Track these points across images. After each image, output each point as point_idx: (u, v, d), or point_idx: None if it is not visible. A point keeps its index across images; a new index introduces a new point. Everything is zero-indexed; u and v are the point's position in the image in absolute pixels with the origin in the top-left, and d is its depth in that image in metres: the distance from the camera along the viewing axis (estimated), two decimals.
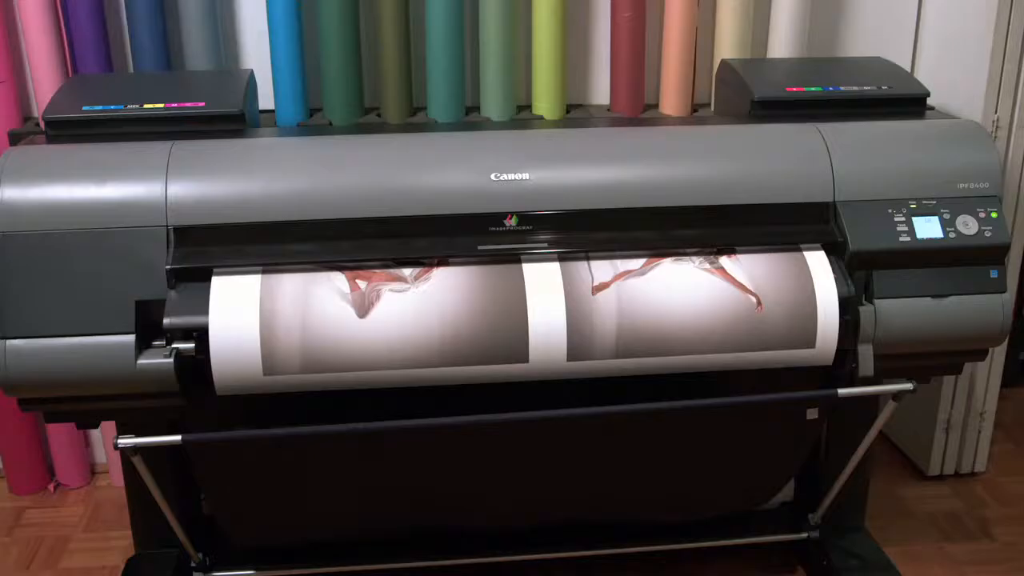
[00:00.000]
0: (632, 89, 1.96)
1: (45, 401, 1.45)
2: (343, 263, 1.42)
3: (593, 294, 1.42)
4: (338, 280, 1.41)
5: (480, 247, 1.44)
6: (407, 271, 1.43)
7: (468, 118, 1.91)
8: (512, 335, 1.40)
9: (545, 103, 1.94)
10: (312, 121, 1.90)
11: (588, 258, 1.46)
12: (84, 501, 2.11)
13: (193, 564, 1.72)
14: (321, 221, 1.43)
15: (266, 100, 1.88)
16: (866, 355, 1.50)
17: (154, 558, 1.73)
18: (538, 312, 1.41)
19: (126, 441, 1.37)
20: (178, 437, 1.37)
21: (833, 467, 1.75)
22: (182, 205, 1.42)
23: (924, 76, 2.03)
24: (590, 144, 1.55)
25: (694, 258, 1.46)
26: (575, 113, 1.98)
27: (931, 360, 1.57)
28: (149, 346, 1.41)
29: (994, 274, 1.52)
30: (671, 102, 1.96)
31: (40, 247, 1.39)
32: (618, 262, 1.45)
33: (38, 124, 1.83)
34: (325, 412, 1.48)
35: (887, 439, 2.30)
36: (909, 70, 2.06)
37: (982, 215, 1.51)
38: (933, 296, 1.50)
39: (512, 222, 1.45)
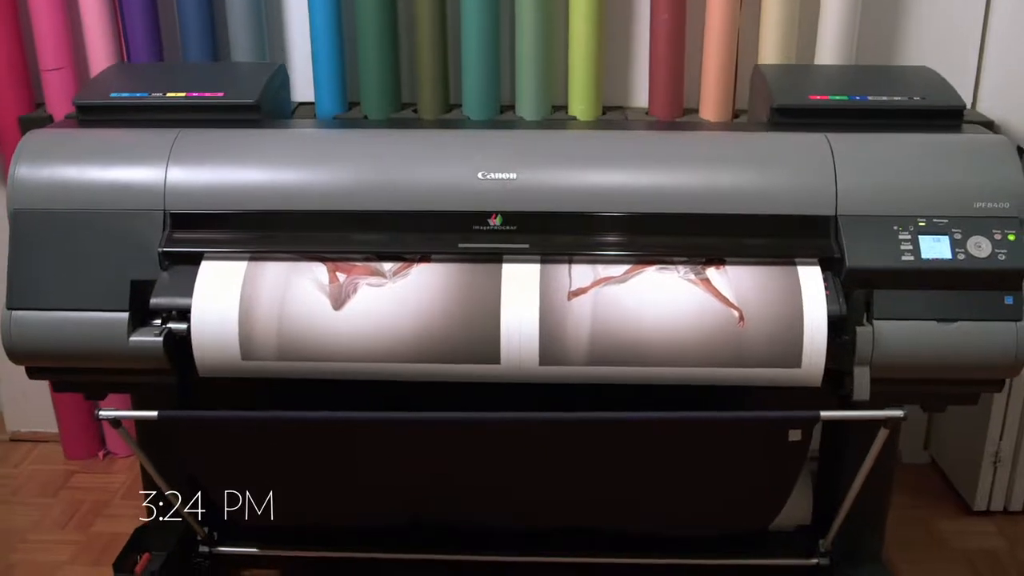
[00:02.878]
0: (670, 93, 1.92)
1: (49, 371, 1.53)
2: (326, 254, 1.45)
3: (569, 299, 1.40)
4: (319, 271, 1.44)
5: (461, 245, 1.44)
6: (387, 266, 1.44)
7: (500, 117, 1.91)
8: (484, 336, 1.40)
9: (580, 104, 1.92)
10: (349, 114, 1.94)
11: (571, 262, 1.44)
12: (129, 470, 2.21)
13: (199, 538, 1.78)
14: (307, 212, 1.46)
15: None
16: (862, 378, 1.43)
17: (163, 528, 1.79)
18: (511, 315, 1.40)
19: (107, 413, 1.43)
20: (154, 413, 1.42)
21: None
22: (179, 191, 1.47)
23: (989, 90, 1.92)
24: (583, 146, 1.53)
25: (680, 267, 1.43)
26: (610, 115, 1.95)
27: (938, 388, 1.48)
28: (146, 324, 1.47)
29: (1009, 300, 1.42)
30: (710, 107, 1.91)
31: (48, 224, 1.47)
32: (600, 267, 1.43)
33: None
34: (324, 400, 1.51)
35: (938, 469, 2.19)
36: (973, 84, 1.95)
37: (998, 237, 1.42)
38: (938, 320, 1.42)
39: (496, 221, 1.45)
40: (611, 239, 1.44)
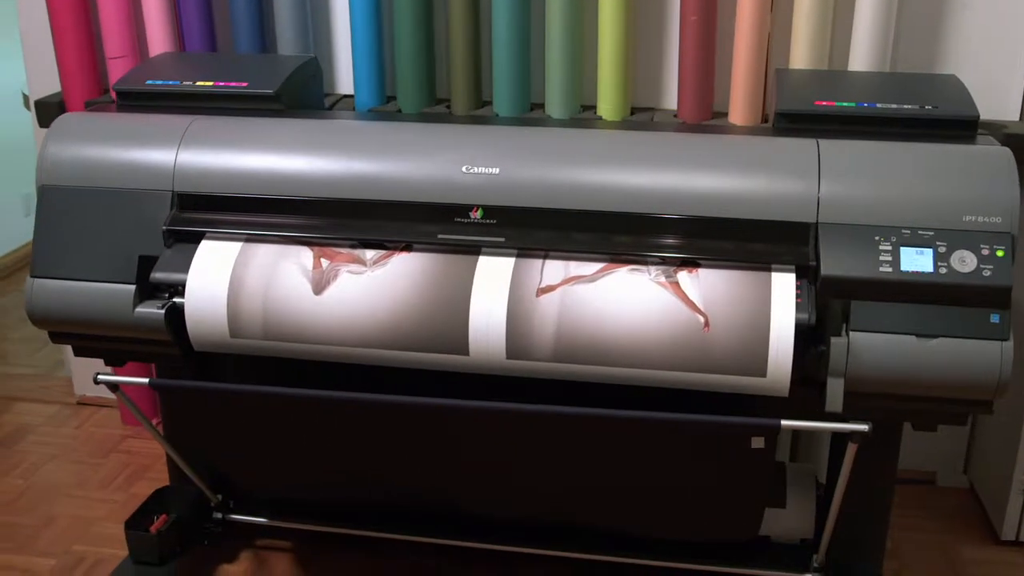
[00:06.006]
0: (698, 95, 1.90)
1: (68, 336, 1.64)
2: (314, 240, 1.51)
3: (537, 296, 1.42)
4: (304, 256, 1.50)
5: (440, 236, 1.48)
6: (369, 254, 1.49)
7: (527, 115, 1.94)
8: (453, 327, 1.43)
9: (607, 104, 1.93)
10: (386, 107, 2.01)
11: (545, 258, 1.46)
12: None
13: (212, 504, 1.88)
14: (299, 198, 1.52)
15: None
16: (835, 389, 1.39)
17: (180, 492, 1.90)
18: (479, 308, 1.43)
19: (104, 377, 1.54)
20: (145, 380, 1.51)
21: (848, 506, 1.64)
22: (187, 173, 1.56)
23: None
24: (568, 144, 1.54)
25: (652, 269, 1.43)
26: (638, 116, 1.95)
27: (920, 405, 1.43)
28: (153, 297, 1.57)
29: (995, 319, 1.37)
30: (739, 111, 1.89)
31: (70, 200, 1.59)
32: (572, 265, 1.44)
33: None
34: (319, 378, 1.57)
35: (975, 494, 2.10)
36: (1021, 96, 1.87)
37: (985, 252, 1.37)
38: (918, 335, 1.38)
39: (477, 215, 1.48)
40: (587, 237, 1.45)
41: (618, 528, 1.69)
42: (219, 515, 1.90)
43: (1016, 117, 1.88)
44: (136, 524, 1.81)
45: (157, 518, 1.84)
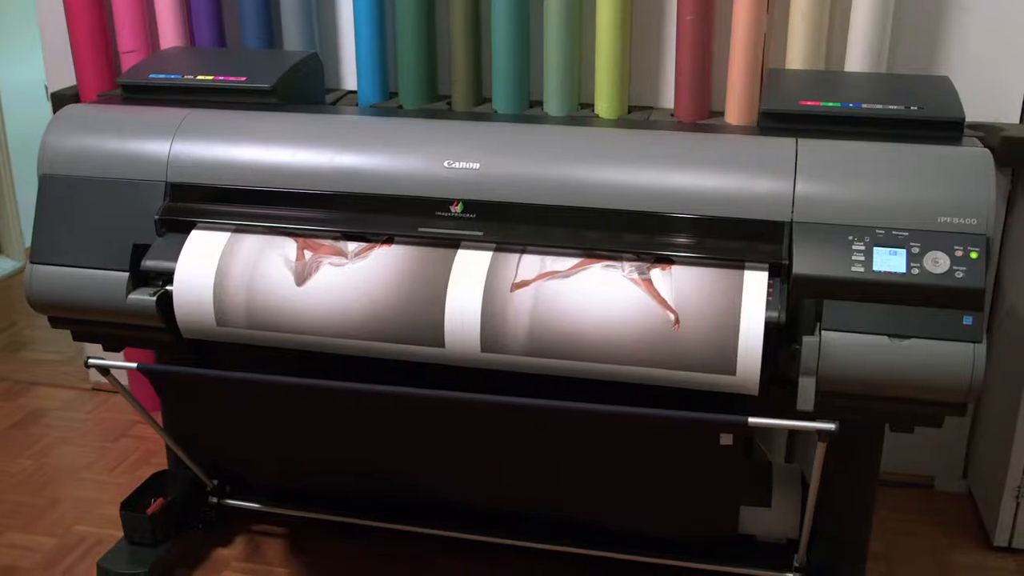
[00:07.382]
0: (694, 94, 1.91)
1: (67, 321, 1.69)
2: (299, 231, 1.54)
3: (511, 291, 1.44)
4: (289, 248, 1.53)
5: (420, 229, 1.50)
6: (351, 246, 1.52)
7: (524, 112, 1.95)
8: (429, 320, 1.46)
9: (605, 103, 1.94)
10: (388, 103, 2.04)
11: (522, 252, 1.48)
12: None
13: (208, 489, 1.92)
14: (285, 191, 1.55)
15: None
16: (806, 388, 1.40)
17: (177, 476, 1.94)
18: (455, 302, 1.45)
19: (95, 361, 1.58)
20: (134, 364, 1.56)
21: (829, 506, 1.64)
22: (180, 164, 1.60)
23: None
24: (549, 141, 1.56)
25: (625, 266, 1.44)
26: (635, 115, 1.96)
27: (893, 406, 1.43)
28: (146, 285, 1.61)
29: (968, 321, 1.36)
30: (735, 110, 1.89)
31: (68, 189, 1.64)
32: (548, 260, 1.46)
33: None
34: (311, 369, 1.61)
35: (972, 499, 2.08)
36: (1022, 97, 1.85)
37: (959, 254, 1.36)
38: (890, 335, 1.38)
39: (457, 209, 1.51)
40: (563, 232, 1.47)
41: (594, 522, 1.70)
42: (214, 500, 1.94)
43: (1016, 119, 1.87)
44: (132, 506, 1.86)
45: (154, 501, 1.89)
